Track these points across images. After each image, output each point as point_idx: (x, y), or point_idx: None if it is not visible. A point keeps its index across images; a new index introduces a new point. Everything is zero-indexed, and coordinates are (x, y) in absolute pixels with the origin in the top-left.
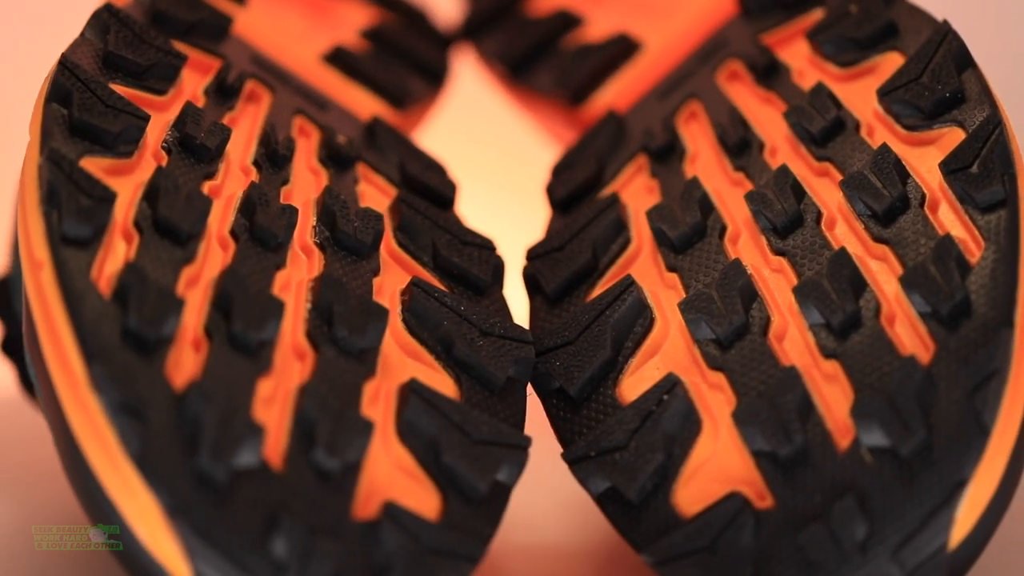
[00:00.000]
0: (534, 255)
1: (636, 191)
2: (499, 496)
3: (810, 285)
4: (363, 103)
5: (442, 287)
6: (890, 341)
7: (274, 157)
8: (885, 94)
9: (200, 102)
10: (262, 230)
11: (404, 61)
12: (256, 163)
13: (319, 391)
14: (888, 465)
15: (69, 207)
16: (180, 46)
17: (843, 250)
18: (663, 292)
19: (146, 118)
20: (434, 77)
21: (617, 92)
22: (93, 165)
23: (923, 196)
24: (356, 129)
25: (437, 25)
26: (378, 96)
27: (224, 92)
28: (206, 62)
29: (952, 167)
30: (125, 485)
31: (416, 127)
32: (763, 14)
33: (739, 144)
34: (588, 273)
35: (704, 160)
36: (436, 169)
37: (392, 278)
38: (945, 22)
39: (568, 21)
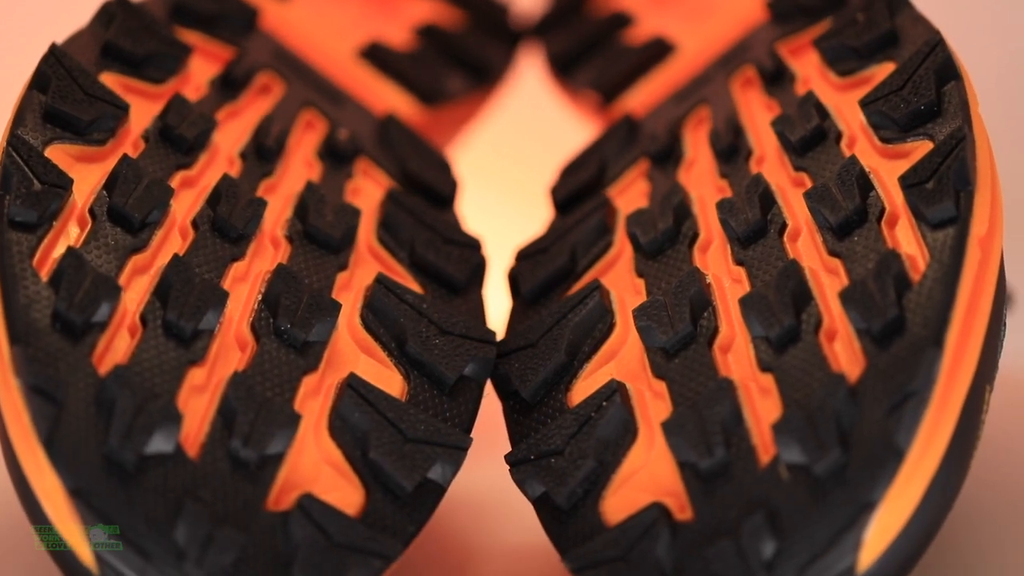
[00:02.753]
0: (521, 256)
1: (632, 195)
2: (429, 495)
3: (755, 297)
4: (386, 99)
5: (416, 284)
6: (823, 357)
7: (262, 150)
8: (866, 105)
9: (201, 92)
10: (222, 221)
11: (449, 59)
12: (243, 155)
13: (246, 382)
14: (802, 483)
15: (19, 192)
16: (193, 37)
17: (793, 262)
18: (630, 298)
19: (124, 107)
20: (481, 75)
21: (645, 94)
22: (61, 151)
23: (882, 210)
24: (369, 125)
25: (509, 23)
26: (408, 93)
27: (231, 83)
28: (221, 53)
29: (910, 182)
30: (37, 466)
31: (464, 123)
32: (787, 20)
33: (727, 151)
34: (565, 275)
35: (699, 166)
36: (438, 167)
37: (365, 273)
38: (936, 32)
39: (620, 21)
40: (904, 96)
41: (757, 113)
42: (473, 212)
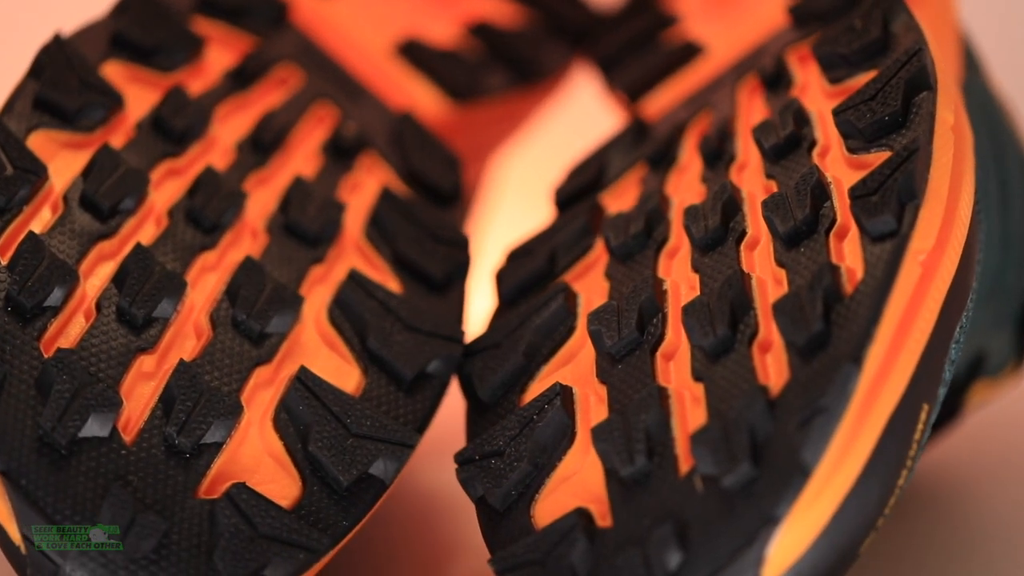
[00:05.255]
0: (509, 256)
1: (624, 199)
2: (368, 491)
3: (696, 305)
4: (411, 96)
5: (396, 281)
6: (752, 368)
7: (260, 142)
8: (837, 114)
9: (213, 83)
10: (197, 211)
11: (494, 56)
12: (240, 147)
13: (191, 370)
14: (713, 495)
15: None
16: (216, 27)
17: (736, 272)
18: (597, 302)
19: (116, 96)
20: (525, 73)
21: (665, 98)
22: (47, 137)
23: (833, 221)
24: (384, 121)
25: (578, 23)
26: (439, 89)
27: (245, 75)
28: (241, 45)
29: (858, 193)
30: None
31: (506, 122)
32: (804, 25)
33: (712, 156)
34: (543, 277)
35: (688, 171)
36: (443, 165)
37: (344, 268)
38: (917, 42)
39: (663, 22)
40: (872, 106)
41: (752, 119)
42: (517, 215)
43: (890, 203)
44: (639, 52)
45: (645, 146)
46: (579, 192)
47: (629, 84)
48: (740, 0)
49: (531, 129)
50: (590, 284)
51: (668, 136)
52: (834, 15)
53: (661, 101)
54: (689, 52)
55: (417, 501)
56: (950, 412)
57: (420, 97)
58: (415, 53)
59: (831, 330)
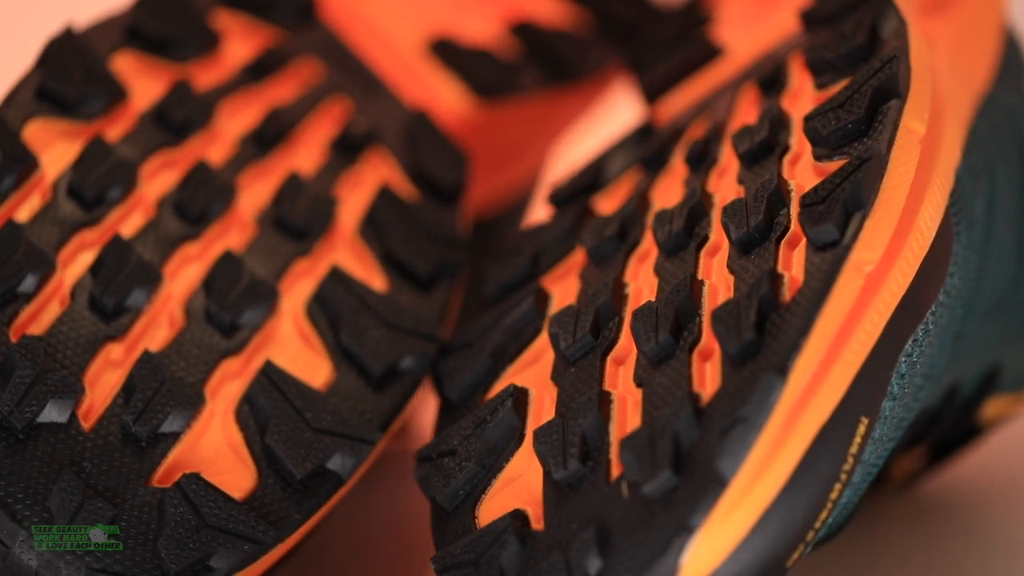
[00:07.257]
0: (498, 255)
1: (614, 202)
2: (324, 486)
3: (644, 310)
4: (436, 94)
5: (383, 277)
6: (689, 376)
7: (263, 136)
8: (807, 120)
9: (228, 76)
10: (184, 203)
11: (530, 55)
12: (244, 140)
13: (154, 360)
14: (637, 501)
15: None
16: (239, 20)
17: (687, 278)
18: (568, 303)
19: (118, 87)
20: (559, 72)
21: (682, 100)
22: (45, 126)
23: (785, 229)
24: (398, 118)
25: (629, 25)
26: (467, 86)
27: (261, 68)
28: (262, 38)
29: (809, 201)
30: None
31: (545, 120)
32: (813, 29)
33: (696, 161)
34: (525, 278)
35: (675, 176)
36: (447, 163)
37: (331, 263)
38: (895, 48)
39: (696, 21)
40: (839, 114)
41: (741, 124)
42: None
43: (834, 212)
44: (666, 53)
45: (644, 149)
46: (576, 193)
47: (648, 85)
48: (775, 3)
49: (589, 129)
50: (566, 286)
51: (665, 139)
52: (841, 19)
53: (676, 103)
54: (709, 55)
55: (407, 501)
56: (967, 430)
57: (444, 95)
58: (446, 51)
59: (764, 339)
